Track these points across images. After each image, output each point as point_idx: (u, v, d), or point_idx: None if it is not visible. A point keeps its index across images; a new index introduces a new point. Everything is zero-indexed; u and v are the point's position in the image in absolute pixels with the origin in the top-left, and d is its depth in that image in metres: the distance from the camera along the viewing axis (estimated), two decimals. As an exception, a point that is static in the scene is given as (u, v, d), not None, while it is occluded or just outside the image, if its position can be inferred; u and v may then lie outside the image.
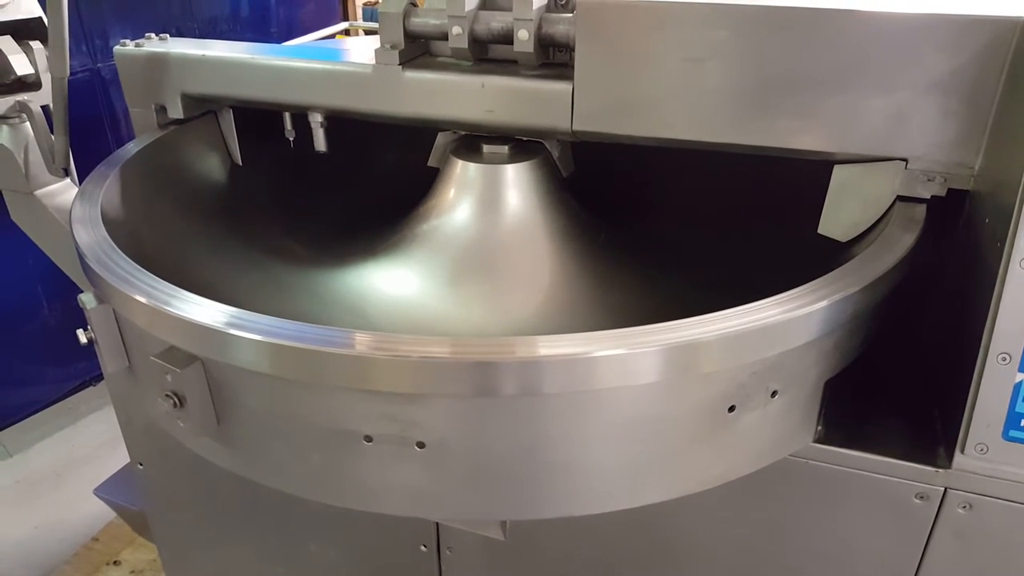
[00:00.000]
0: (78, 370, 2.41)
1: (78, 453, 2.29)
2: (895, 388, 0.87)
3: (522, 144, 1.06)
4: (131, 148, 1.11)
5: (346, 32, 1.89)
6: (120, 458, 1.44)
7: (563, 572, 1.01)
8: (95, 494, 1.68)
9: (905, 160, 0.81)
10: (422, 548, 1.07)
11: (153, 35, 1.20)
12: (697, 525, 0.90)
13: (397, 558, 1.10)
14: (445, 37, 0.96)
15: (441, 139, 1.10)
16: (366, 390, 0.64)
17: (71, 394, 2.46)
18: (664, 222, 1.16)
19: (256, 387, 0.70)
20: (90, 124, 2.03)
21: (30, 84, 1.28)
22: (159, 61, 1.13)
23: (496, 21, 0.94)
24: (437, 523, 1.04)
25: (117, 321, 0.80)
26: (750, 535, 0.88)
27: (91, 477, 1.77)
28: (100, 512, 1.91)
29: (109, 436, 2.28)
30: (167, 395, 0.71)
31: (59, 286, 2.18)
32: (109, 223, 0.89)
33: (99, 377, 2.43)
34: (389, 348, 0.63)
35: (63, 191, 1.34)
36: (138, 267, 0.76)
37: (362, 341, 0.63)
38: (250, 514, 1.21)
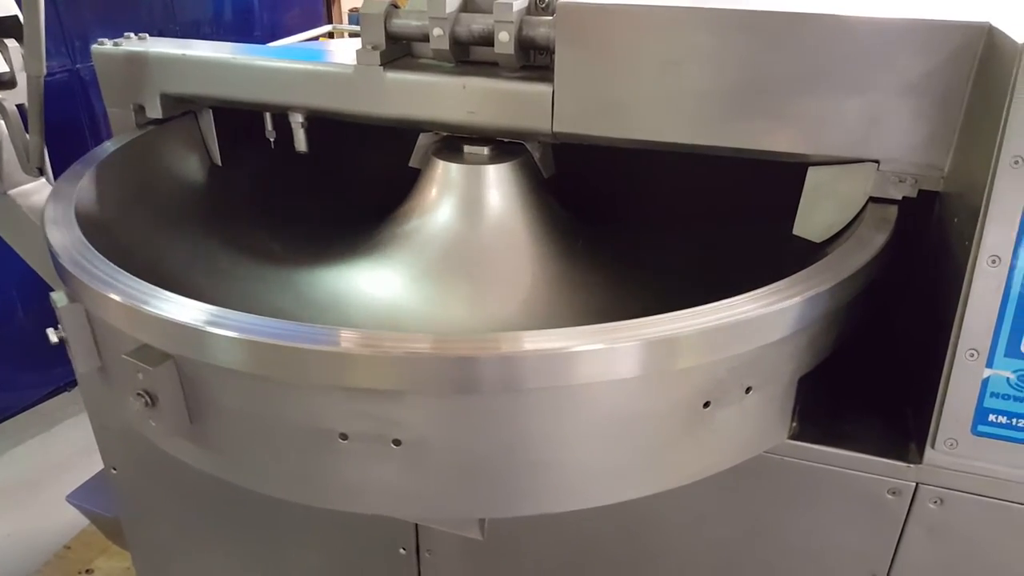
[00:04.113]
0: (53, 376, 2.37)
1: (53, 460, 2.24)
2: (871, 386, 0.89)
3: (503, 146, 1.07)
4: (108, 147, 1.10)
5: (330, 35, 1.90)
6: (96, 465, 1.42)
7: (543, 574, 1.01)
8: (68, 501, 1.65)
9: (877, 162, 0.83)
10: (401, 551, 1.06)
11: (132, 34, 1.19)
12: (676, 523, 0.90)
13: (376, 561, 1.09)
14: (426, 39, 0.96)
15: (423, 140, 1.11)
16: (342, 387, 0.64)
17: (46, 399, 2.42)
18: (644, 223, 1.17)
19: (229, 385, 0.69)
20: (69, 125, 2.01)
21: (5, 82, 1.26)
22: (138, 60, 1.12)
23: (477, 23, 0.95)
24: (416, 525, 1.04)
25: (89, 320, 0.79)
26: (727, 532, 0.89)
27: (66, 484, 1.73)
28: (74, 520, 1.87)
29: (85, 443, 2.22)
30: (138, 394, 0.70)
31: (34, 290, 2.14)
32: (84, 222, 0.87)
33: (75, 383, 2.39)
34: (367, 344, 0.62)
35: (37, 191, 1.32)
36: (109, 263, 0.75)
37: (338, 337, 0.63)
38: (226, 519, 1.19)
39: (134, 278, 0.72)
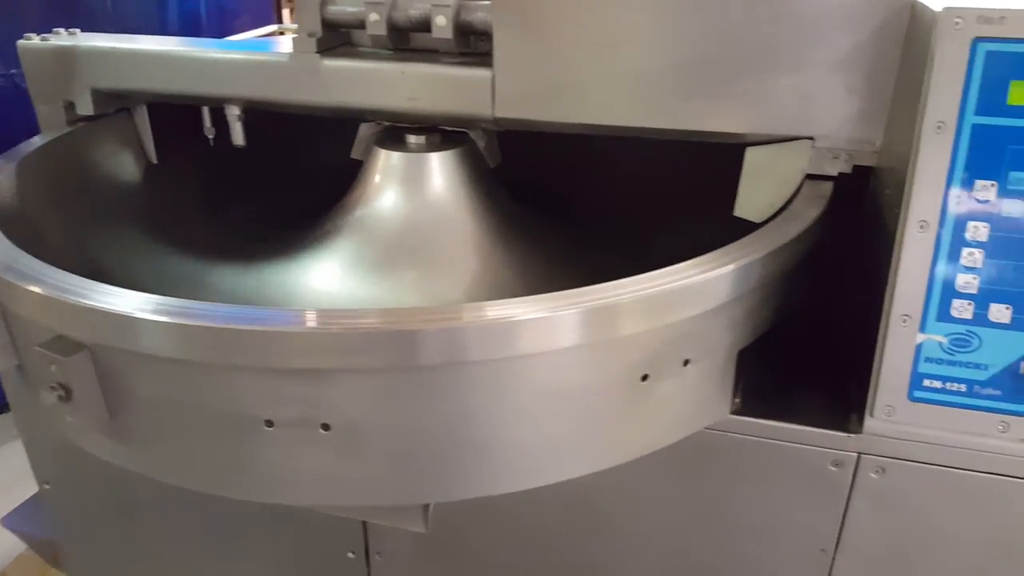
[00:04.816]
0: (-9, 396, 2.25)
1: (-10, 485, 2.13)
2: (816, 363, 0.89)
3: (448, 135, 1.05)
4: (35, 142, 1.06)
5: (281, 35, 1.86)
6: (35, 489, 1.35)
7: (496, 570, 0.99)
8: (2, 524, 1.56)
9: (812, 139, 0.83)
10: (349, 555, 1.03)
11: (62, 30, 1.15)
12: (625, 506, 0.89)
13: (324, 568, 1.06)
14: (363, 25, 0.95)
15: (364, 130, 1.09)
16: (262, 368, 0.61)
17: (-16, 422, 2.30)
18: (597, 213, 1.16)
19: (147, 373, 0.66)
20: (3, 133, 1.93)
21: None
22: (67, 55, 1.09)
23: (414, 8, 0.94)
24: (364, 528, 1.01)
25: (3, 314, 0.75)
26: (677, 514, 0.87)
27: (4, 509, 1.64)
28: (12, 545, 1.78)
29: (26, 468, 2.13)
30: (52, 387, 0.66)
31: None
32: (4, 219, 0.83)
33: (15, 404, 2.27)
34: (287, 321, 0.60)
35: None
36: (16, 249, 0.72)
37: (256, 315, 0.61)
38: (168, 532, 1.14)
39: (44, 264, 0.69)
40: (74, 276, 0.68)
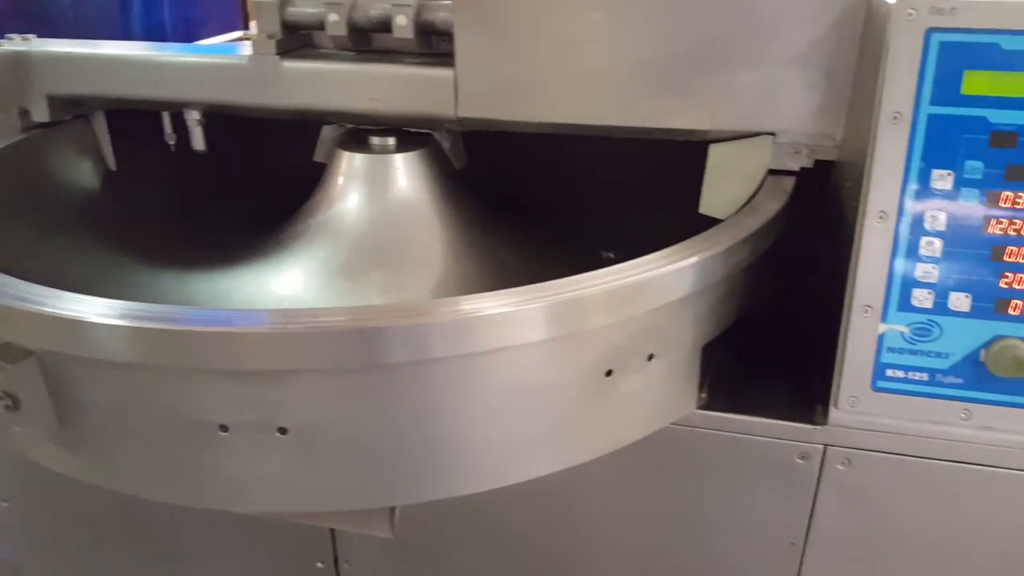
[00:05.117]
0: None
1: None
2: (783, 358, 0.89)
3: (412, 136, 1.04)
4: (-12, 148, 1.03)
5: (247, 40, 1.83)
6: None
7: (466, 575, 0.97)
8: (-38, 546, 1.51)
9: (773, 134, 0.84)
10: (318, 565, 1.01)
11: (15, 35, 1.13)
12: (594, 504, 0.88)
13: (293, 579, 1.03)
14: (323, 26, 0.94)
15: (327, 132, 1.08)
16: (215, 370, 0.60)
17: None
18: (559, 209, 1.16)
19: (99, 378, 0.64)
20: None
21: None
22: (21, 60, 1.06)
23: (374, 8, 0.93)
24: (333, 536, 0.99)
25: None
26: (647, 510, 0.87)
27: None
28: (-28, 569, 1.72)
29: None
30: (-1, 396, 0.64)
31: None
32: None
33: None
34: (238, 321, 0.59)
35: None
36: None
37: (208, 316, 0.59)
38: (133, 549, 1.11)
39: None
40: (19, 280, 0.66)
